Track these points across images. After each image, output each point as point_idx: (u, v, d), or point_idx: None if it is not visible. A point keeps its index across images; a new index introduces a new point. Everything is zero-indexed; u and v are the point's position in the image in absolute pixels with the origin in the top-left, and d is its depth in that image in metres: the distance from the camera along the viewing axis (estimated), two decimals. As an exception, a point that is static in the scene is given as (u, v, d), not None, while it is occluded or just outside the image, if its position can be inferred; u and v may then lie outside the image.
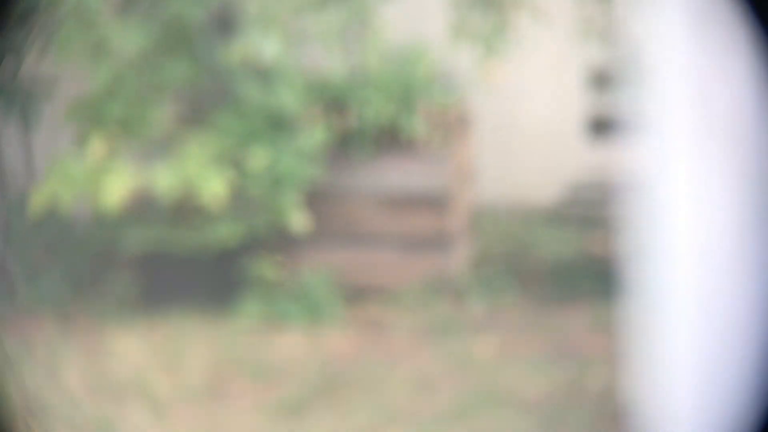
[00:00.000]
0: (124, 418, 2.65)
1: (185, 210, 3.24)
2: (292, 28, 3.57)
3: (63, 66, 3.36)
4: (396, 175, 3.28)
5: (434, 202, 3.29)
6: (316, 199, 3.28)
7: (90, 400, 2.73)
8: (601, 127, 3.26)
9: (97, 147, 3.08)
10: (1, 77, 3.27)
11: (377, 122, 3.24)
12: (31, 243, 3.27)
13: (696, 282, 1.95)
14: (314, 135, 3.17)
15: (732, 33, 1.77)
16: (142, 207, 3.26)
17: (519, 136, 3.73)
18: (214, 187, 3.08)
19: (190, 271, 3.22)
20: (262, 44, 2.86)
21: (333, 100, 3.30)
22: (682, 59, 1.89)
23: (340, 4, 2.95)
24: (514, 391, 2.75)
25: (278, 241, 3.37)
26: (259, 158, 3.13)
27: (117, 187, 3.03)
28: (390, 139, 3.29)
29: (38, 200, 3.06)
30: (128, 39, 3.06)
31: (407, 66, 3.33)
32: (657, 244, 2.07)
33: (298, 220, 3.17)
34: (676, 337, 1.99)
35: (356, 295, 3.30)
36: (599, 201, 3.54)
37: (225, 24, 3.30)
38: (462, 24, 2.93)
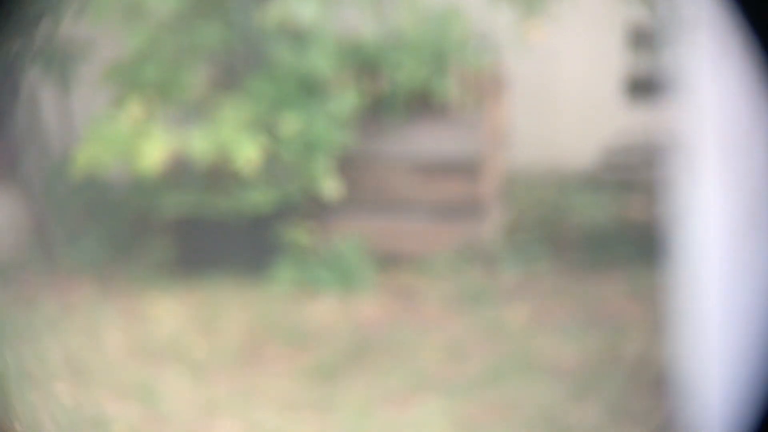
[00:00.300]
0: (161, 380, 2.68)
1: (220, 175, 3.24)
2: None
3: (99, 28, 3.36)
4: (428, 140, 3.26)
5: (467, 168, 3.26)
6: (347, 165, 3.27)
7: (128, 362, 2.76)
8: (640, 88, 3.20)
9: (133, 110, 3.08)
10: (39, 39, 3.27)
11: (410, 86, 3.20)
12: (70, 205, 3.29)
13: (734, 247, 1.91)
14: (346, 100, 3.15)
15: None
16: (178, 171, 3.27)
17: (554, 98, 3.68)
18: (247, 153, 3.07)
19: (225, 236, 3.22)
20: (301, 7, 2.83)
21: (365, 64, 3.26)
22: (723, 18, 1.83)
23: None
24: (547, 359, 2.74)
25: (311, 207, 3.36)
26: (291, 123, 3.11)
27: (154, 151, 3.03)
28: (422, 104, 3.26)
29: (77, 163, 3.07)
30: (163, 1, 3.04)
31: (441, 28, 3.28)
32: (694, 207, 2.03)
33: (330, 186, 3.16)
34: (713, 302, 1.96)
35: (388, 262, 3.29)
36: (636, 165, 3.49)
37: None
38: None
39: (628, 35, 3.25)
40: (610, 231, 3.41)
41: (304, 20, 2.87)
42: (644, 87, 3.17)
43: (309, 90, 3.19)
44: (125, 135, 3.03)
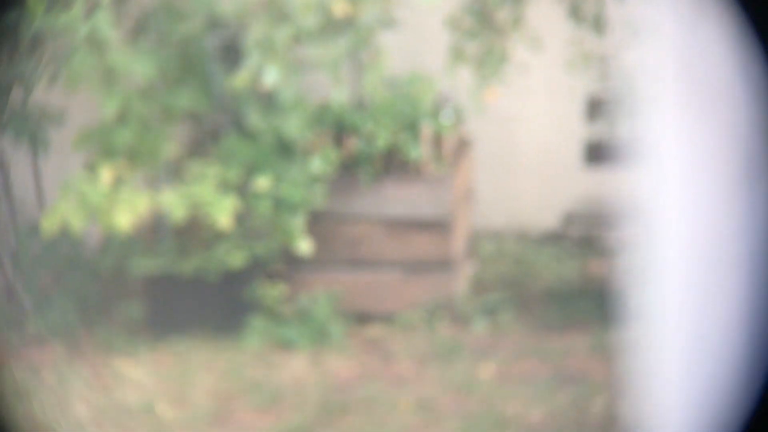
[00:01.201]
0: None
1: (192, 234, 3.28)
2: (293, 55, 3.63)
3: (72, 94, 3.41)
4: (398, 199, 3.32)
5: (436, 226, 3.32)
6: (319, 223, 3.32)
7: (96, 427, 2.75)
8: (598, 152, 3.30)
9: (106, 174, 3.12)
10: (12, 104, 3.33)
11: (380, 148, 3.28)
12: (40, 269, 3.31)
13: (692, 305, 1.97)
14: (319, 161, 3.22)
15: (725, 52, 1.81)
16: (151, 231, 3.30)
17: (516, 161, 3.78)
18: (221, 212, 3.12)
19: (197, 295, 3.25)
20: (263, 71, 2.91)
21: (337, 127, 3.34)
22: (677, 85, 1.92)
23: (339, 32, 3.01)
24: (516, 415, 2.77)
25: (283, 265, 3.41)
26: (265, 184, 3.17)
27: (125, 214, 3.07)
28: (392, 164, 3.33)
29: (48, 225, 3.10)
30: (137, 67, 3.11)
31: (410, 93, 3.38)
32: (653, 268, 2.10)
33: (303, 244, 3.21)
34: (673, 360, 2.01)
35: (359, 318, 3.33)
36: (597, 226, 3.58)
37: (236, 52, 3.35)
38: (460, 49, 2.97)
39: (586, 102, 3.36)
40: (573, 288, 3.48)
41: (266, 84, 2.96)
42: (602, 152, 3.27)
43: (282, 152, 3.26)
44: (96, 198, 3.06)
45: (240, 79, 2.97)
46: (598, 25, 2.74)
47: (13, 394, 2.81)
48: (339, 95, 3.13)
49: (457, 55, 2.95)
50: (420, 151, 3.27)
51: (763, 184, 1.87)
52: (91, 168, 3.18)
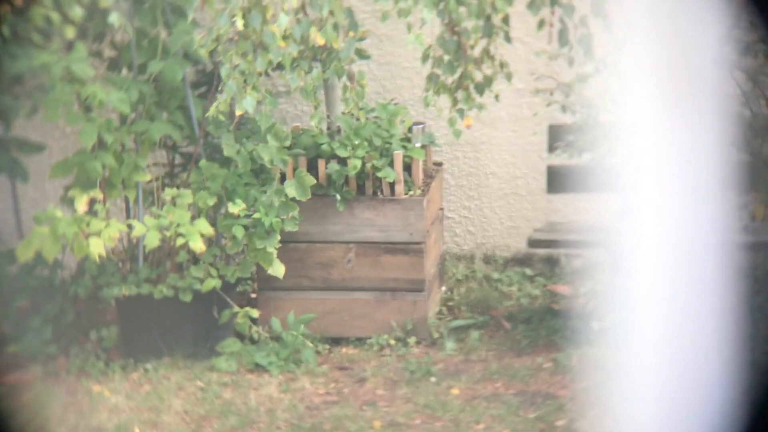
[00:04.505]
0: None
1: (166, 259, 3.32)
2: (270, 83, 3.70)
3: (50, 126, 3.45)
4: (370, 222, 3.39)
5: (407, 250, 3.39)
6: (292, 247, 3.38)
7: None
8: (562, 179, 3.39)
9: (81, 203, 3.16)
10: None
11: (354, 173, 3.36)
12: (17, 293, 3.33)
13: (658, 325, 2.03)
14: (295, 186, 3.28)
15: (701, 77, 1.86)
16: (125, 256, 3.34)
17: (485, 186, 3.87)
18: (195, 237, 3.16)
19: (170, 319, 3.28)
20: (239, 99, 2.96)
21: (312, 152, 3.41)
22: (647, 111, 1.98)
23: (316, 60, 3.07)
24: (484, 434, 2.83)
25: (256, 288, 3.45)
26: (238, 208, 3.22)
27: (99, 244, 3.10)
28: (365, 189, 3.40)
29: (22, 256, 3.13)
30: (113, 99, 3.16)
31: (384, 119, 3.46)
32: (617, 289, 2.16)
33: (277, 268, 3.26)
34: (639, 378, 2.07)
35: (331, 341, 3.37)
36: (562, 249, 3.66)
37: (211, 80, 3.42)
38: (438, 79, 3.05)
39: (550, 131, 3.46)
40: (539, 310, 3.56)
41: (243, 111, 3.01)
42: (566, 178, 3.36)
43: (257, 177, 3.32)
44: (69, 230, 3.10)
45: (215, 108, 3.03)
46: (586, 46, 2.82)
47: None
48: (316, 121, 3.19)
49: (434, 83, 3.03)
50: (394, 175, 3.34)
51: (733, 197, 1.92)
52: (66, 197, 3.22)
